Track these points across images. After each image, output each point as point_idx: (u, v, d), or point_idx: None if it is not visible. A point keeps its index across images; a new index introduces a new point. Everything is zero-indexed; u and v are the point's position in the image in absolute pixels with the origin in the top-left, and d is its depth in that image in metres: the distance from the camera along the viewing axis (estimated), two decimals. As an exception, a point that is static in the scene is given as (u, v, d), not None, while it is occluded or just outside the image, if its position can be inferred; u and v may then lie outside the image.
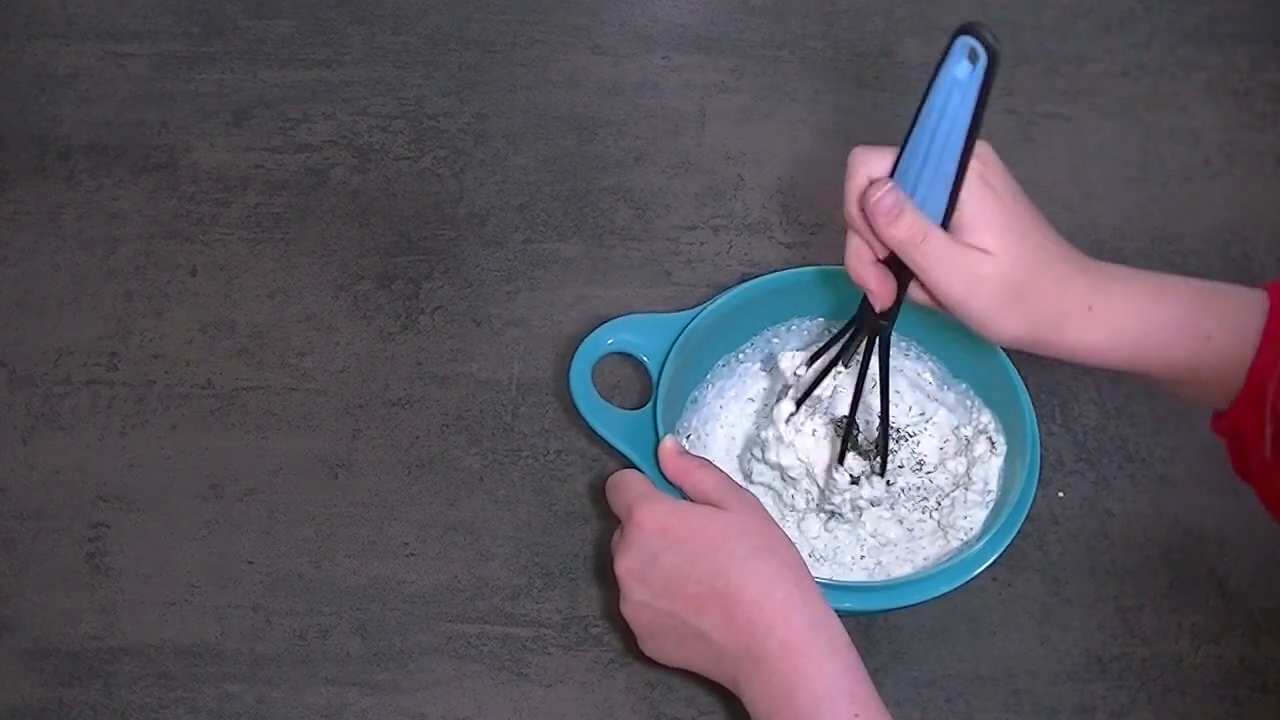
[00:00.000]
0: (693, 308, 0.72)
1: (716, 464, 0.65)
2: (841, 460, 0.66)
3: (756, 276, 0.73)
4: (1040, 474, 0.73)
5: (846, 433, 0.65)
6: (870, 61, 0.92)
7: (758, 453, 0.69)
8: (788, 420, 0.67)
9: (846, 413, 0.66)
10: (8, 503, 0.74)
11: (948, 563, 0.65)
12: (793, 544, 0.60)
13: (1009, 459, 0.70)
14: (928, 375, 0.74)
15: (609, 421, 0.68)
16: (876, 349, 0.62)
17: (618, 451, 0.68)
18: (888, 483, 0.67)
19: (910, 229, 0.54)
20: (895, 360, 0.72)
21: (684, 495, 0.63)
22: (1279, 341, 0.55)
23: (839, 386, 0.67)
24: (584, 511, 0.74)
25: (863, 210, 0.55)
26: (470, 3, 0.94)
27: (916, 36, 0.93)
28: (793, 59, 0.92)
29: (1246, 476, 0.58)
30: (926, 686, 0.69)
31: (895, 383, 0.73)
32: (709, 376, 0.74)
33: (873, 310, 0.59)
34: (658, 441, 0.65)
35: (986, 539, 0.65)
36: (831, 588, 0.62)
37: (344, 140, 0.88)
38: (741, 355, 0.75)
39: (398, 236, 0.84)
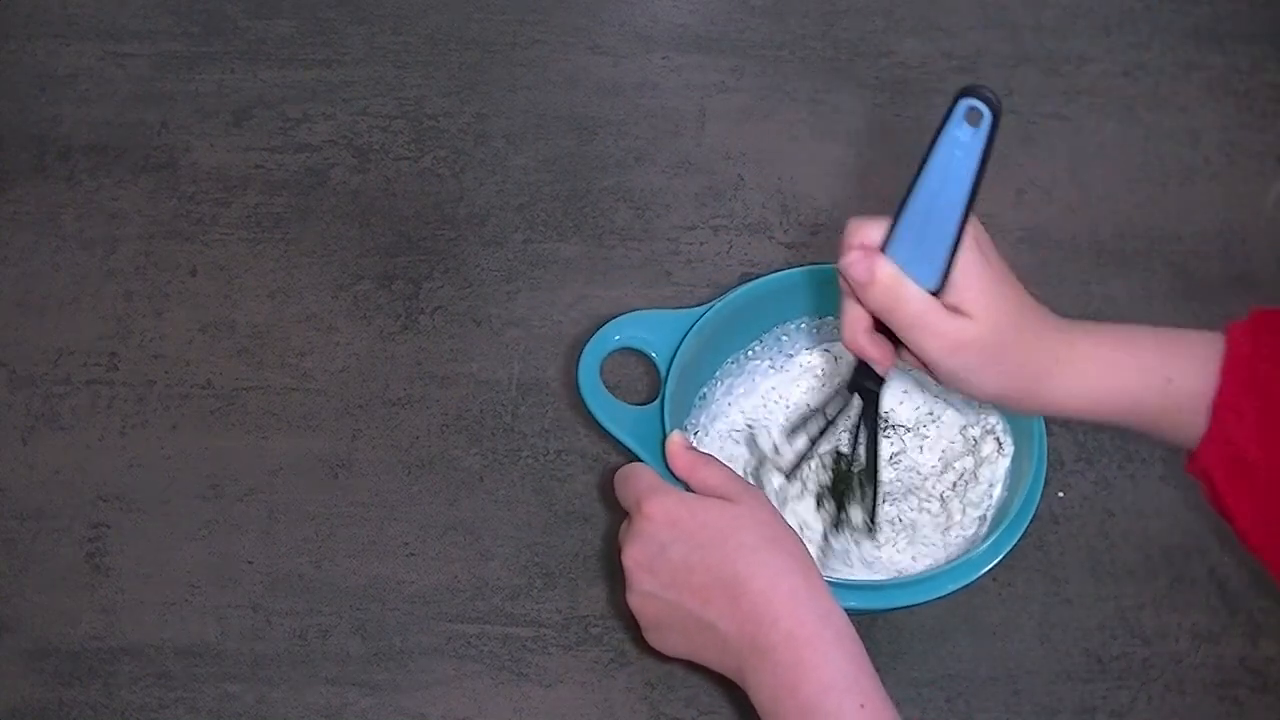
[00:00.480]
0: (694, 306, 0.72)
1: (723, 460, 0.66)
2: (838, 526, 0.67)
3: (758, 275, 0.73)
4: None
5: (839, 500, 0.67)
6: (870, 61, 0.92)
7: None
8: (779, 494, 0.68)
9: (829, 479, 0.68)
10: (8, 503, 0.74)
11: (953, 562, 0.65)
12: (799, 538, 0.60)
13: (1016, 459, 0.70)
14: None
15: (616, 416, 0.68)
16: (864, 413, 0.63)
17: (625, 447, 0.68)
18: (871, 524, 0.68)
19: (881, 295, 0.55)
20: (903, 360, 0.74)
21: (690, 490, 0.63)
22: (1236, 379, 0.56)
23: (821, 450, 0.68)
24: (584, 511, 0.74)
25: None
26: (470, 3, 0.94)
27: (916, 36, 0.93)
28: (793, 59, 0.92)
29: (1224, 514, 0.58)
30: (926, 686, 0.69)
31: (903, 382, 0.74)
32: (718, 374, 0.74)
33: (867, 375, 0.61)
34: (665, 437, 0.65)
35: (992, 539, 0.65)
36: (837, 585, 0.62)
37: (344, 140, 0.88)
38: (751, 353, 0.75)
39: (398, 236, 0.84)
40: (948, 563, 0.66)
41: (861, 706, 0.55)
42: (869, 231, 0.56)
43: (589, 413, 0.68)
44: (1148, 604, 0.72)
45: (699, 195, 0.86)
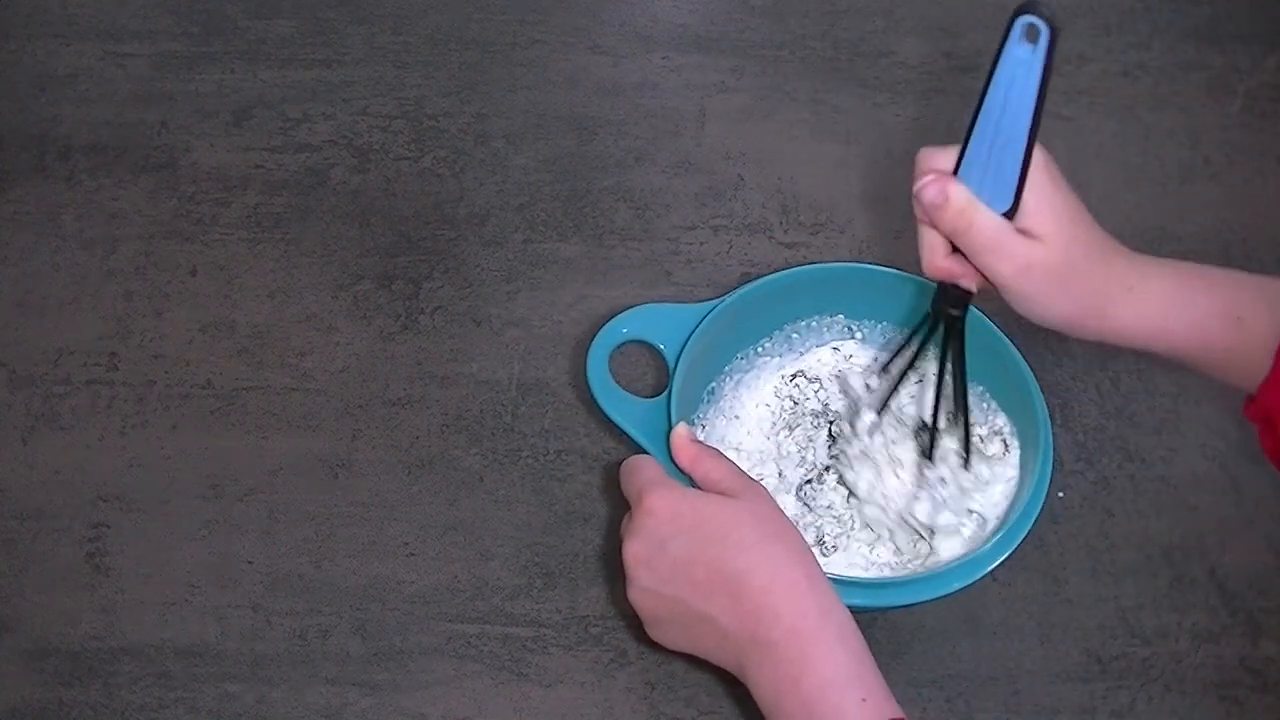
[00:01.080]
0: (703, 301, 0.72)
1: (728, 455, 0.66)
2: (930, 456, 0.67)
3: (759, 275, 0.73)
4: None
5: (933, 428, 0.66)
6: (870, 61, 0.92)
7: (827, 477, 0.71)
8: (871, 432, 0.68)
9: (923, 416, 0.67)
10: (8, 503, 0.74)
11: (955, 561, 0.65)
12: (800, 533, 0.60)
13: (1022, 461, 0.70)
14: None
15: (624, 409, 0.68)
16: (950, 340, 0.63)
17: (631, 440, 0.67)
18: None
19: (955, 218, 0.56)
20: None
21: (694, 483, 0.63)
22: None
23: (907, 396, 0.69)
24: (584, 511, 0.74)
25: None
26: (470, 2, 0.94)
27: (917, 36, 0.93)
28: (793, 59, 0.92)
29: (1277, 460, 0.58)
30: (926, 686, 0.69)
31: (908, 387, 0.74)
32: (727, 369, 0.74)
33: (950, 300, 0.61)
34: (671, 430, 0.65)
35: (996, 539, 0.65)
36: (841, 583, 0.62)
37: (344, 140, 0.88)
38: (760, 349, 0.75)
39: (398, 236, 0.84)
40: (951, 562, 0.66)
41: (863, 700, 0.55)
42: (940, 158, 0.57)
43: (596, 404, 0.68)
44: (1148, 604, 0.72)
45: (699, 195, 0.86)
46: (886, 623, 0.71)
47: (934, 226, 0.57)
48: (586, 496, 0.74)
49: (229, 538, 0.73)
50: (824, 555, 0.69)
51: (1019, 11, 0.51)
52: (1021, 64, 0.52)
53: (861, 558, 0.70)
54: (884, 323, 0.75)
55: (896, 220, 0.85)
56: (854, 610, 0.59)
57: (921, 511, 0.68)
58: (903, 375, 0.67)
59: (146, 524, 0.73)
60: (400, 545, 0.73)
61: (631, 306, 0.71)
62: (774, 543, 0.58)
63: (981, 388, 0.73)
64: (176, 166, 0.86)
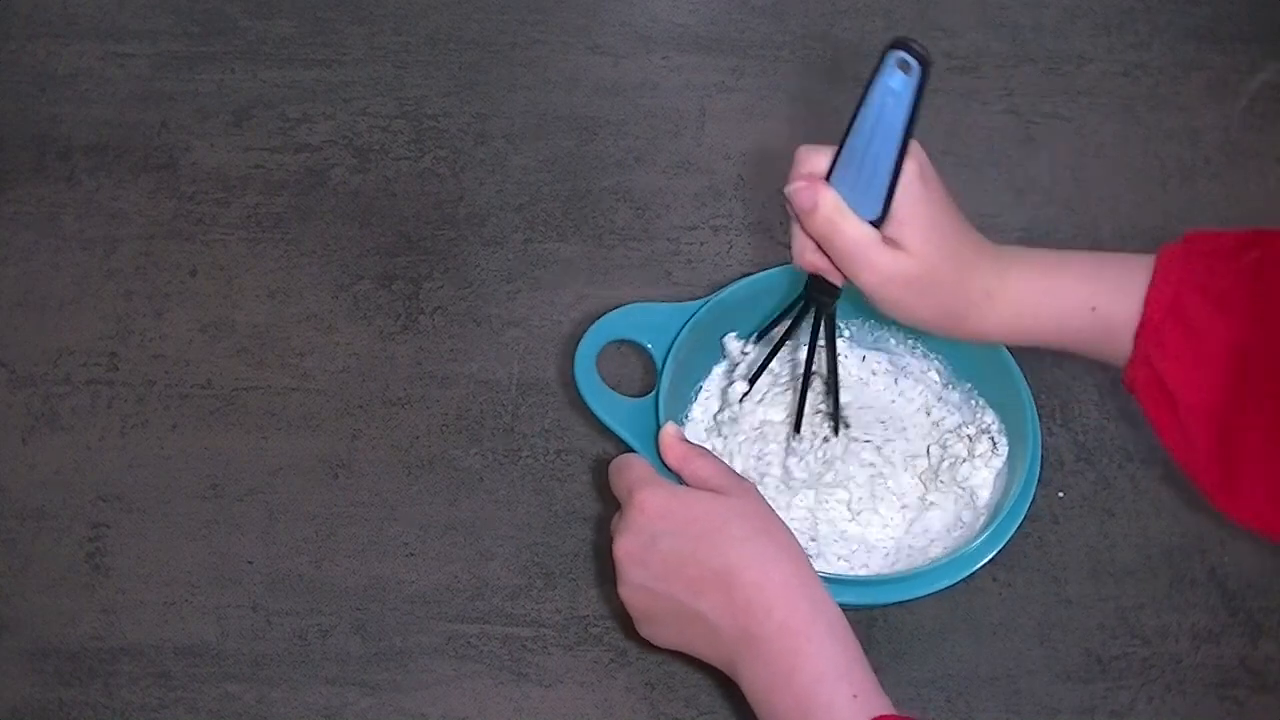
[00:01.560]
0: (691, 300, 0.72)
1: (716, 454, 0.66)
2: (797, 429, 0.69)
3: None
4: (1041, 474, 0.73)
5: (801, 400, 0.68)
6: (870, 61, 0.91)
7: (718, 436, 0.72)
8: (741, 399, 0.70)
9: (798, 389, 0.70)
10: (8, 503, 0.74)
11: (946, 559, 0.65)
12: (790, 530, 0.60)
13: (1011, 459, 0.70)
14: (933, 373, 0.74)
15: (612, 408, 0.68)
16: (824, 323, 0.65)
17: (619, 439, 0.68)
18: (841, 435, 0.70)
19: (822, 225, 0.57)
20: (903, 359, 0.75)
21: (683, 483, 0.63)
22: (1159, 306, 0.57)
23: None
24: (584, 511, 0.74)
25: None
26: (470, 2, 0.94)
27: (915, 35, 0.93)
28: (793, 59, 0.92)
29: (1155, 431, 0.60)
30: (926, 686, 0.69)
31: (901, 383, 0.74)
32: (715, 368, 0.74)
33: (821, 290, 0.63)
34: (659, 429, 0.65)
35: (984, 536, 0.65)
36: (831, 581, 0.62)
37: (344, 140, 0.88)
38: (748, 349, 0.74)
39: (398, 236, 0.84)
40: (943, 558, 0.66)
41: (855, 696, 0.55)
42: (816, 160, 0.58)
43: (585, 404, 0.68)
44: (1148, 604, 0.72)
45: (699, 195, 0.86)
46: (886, 623, 0.71)
47: (801, 225, 0.59)
48: (587, 496, 0.74)
49: (229, 538, 0.73)
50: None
51: (892, 45, 0.53)
52: (892, 93, 0.53)
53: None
54: (871, 320, 0.75)
55: None
56: (844, 608, 0.59)
57: (796, 469, 0.70)
58: (775, 350, 0.69)
59: (146, 524, 0.73)
60: (400, 545, 0.73)
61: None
62: (765, 539, 0.59)
63: (969, 384, 0.73)
64: (176, 166, 0.86)
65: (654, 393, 0.68)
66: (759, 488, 0.64)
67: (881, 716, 0.54)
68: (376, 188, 0.86)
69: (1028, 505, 0.66)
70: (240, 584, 0.72)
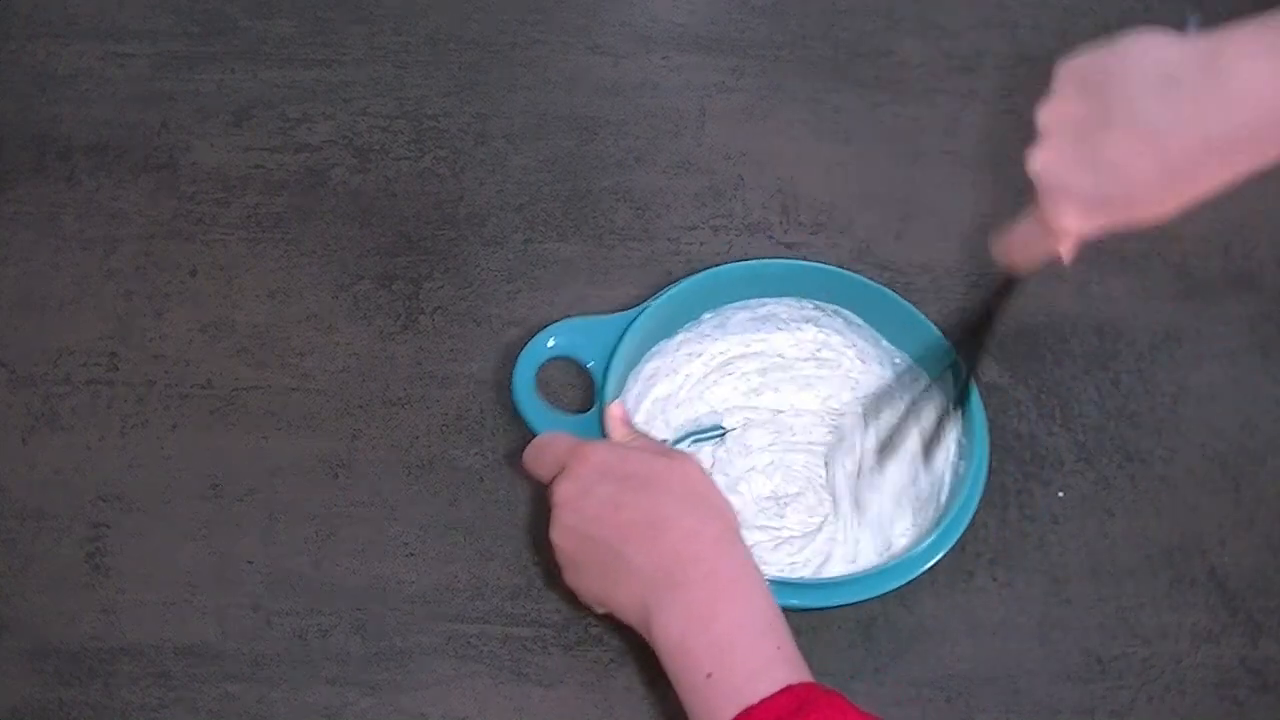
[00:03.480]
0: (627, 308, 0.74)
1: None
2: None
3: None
4: (1040, 474, 0.74)
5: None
6: (870, 61, 0.92)
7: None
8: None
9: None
10: (8, 503, 0.74)
11: (890, 561, 0.66)
12: (729, 502, 0.61)
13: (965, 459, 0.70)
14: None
15: (554, 424, 0.69)
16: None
17: None
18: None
19: None
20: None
21: None
22: None
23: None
24: (584, 511, 0.74)
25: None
26: (470, 2, 0.94)
27: (916, 36, 0.93)
28: (793, 59, 0.92)
29: None
30: (926, 686, 0.69)
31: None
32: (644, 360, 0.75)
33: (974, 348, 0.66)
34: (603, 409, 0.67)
35: (930, 540, 0.66)
36: (775, 583, 0.63)
37: (344, 140, 0.88)
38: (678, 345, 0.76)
39: (398, 236, 0.84)
40: (889, 560, 0.67)
41: (778, 648, 0.54)
42: None
43: (525, 423, 0.70)
44: (1148, 604, 0.72)
45: (699, 195, 0.86)
46: (886, 622, 0.71)
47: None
48: (586, 496, 0.74)
49: (229, 538, 0.73)
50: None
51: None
52: None
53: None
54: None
55: (896, 220, 0.85)
56: (791, 610, 0.59)
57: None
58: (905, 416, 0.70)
59: (146, 524, 0.73)
60: (400, 545, 0.73)
61: (632, 307, 0.72)
62: (700, 499, 0.59)
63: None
64: (176, 166, 0.86)
65: (595, 409, 0.70)
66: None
67: (803, 684, 0.53)
68: (377, 188, 0.86)
69: (972, 511, 0.68)
70: (240, 584, 0.72)
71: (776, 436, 0.74)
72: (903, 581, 0.66)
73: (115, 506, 0.74)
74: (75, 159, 0.87)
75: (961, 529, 0.67)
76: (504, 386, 0.78)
